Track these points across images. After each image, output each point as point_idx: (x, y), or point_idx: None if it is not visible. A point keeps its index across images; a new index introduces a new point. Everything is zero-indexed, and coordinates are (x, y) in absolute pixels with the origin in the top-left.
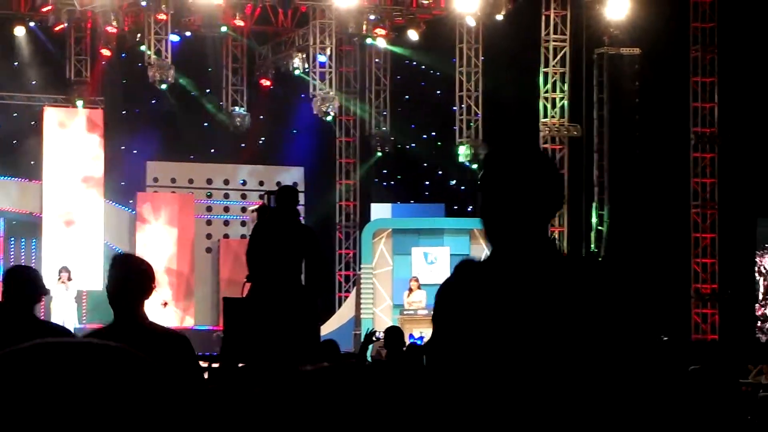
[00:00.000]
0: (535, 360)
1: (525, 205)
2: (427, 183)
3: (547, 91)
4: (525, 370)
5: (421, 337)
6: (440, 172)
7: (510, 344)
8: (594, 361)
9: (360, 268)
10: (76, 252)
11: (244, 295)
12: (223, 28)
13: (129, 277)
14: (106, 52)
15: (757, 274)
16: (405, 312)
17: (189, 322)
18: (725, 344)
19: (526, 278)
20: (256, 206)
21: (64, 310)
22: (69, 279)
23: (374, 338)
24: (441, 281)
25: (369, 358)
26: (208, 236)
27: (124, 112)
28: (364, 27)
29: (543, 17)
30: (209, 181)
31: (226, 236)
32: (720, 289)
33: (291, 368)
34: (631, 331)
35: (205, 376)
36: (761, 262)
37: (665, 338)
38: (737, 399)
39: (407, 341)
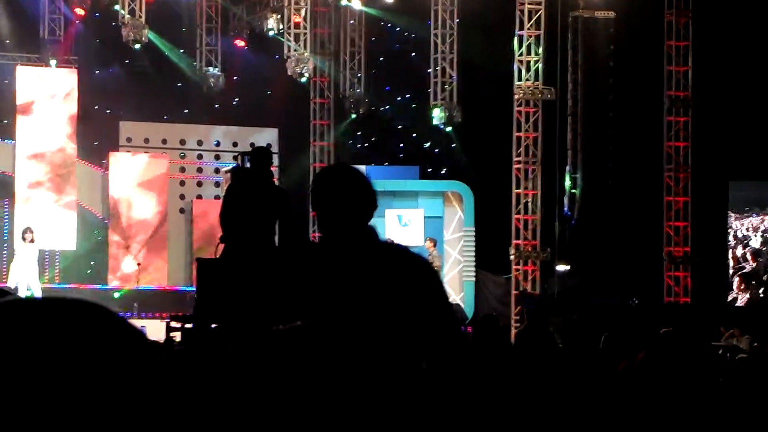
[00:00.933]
0: (345, 319)
1: (343, 208)
2: (401, 145)
3: (521, 54)
4: (336, 328)
5: None
6: (414, 135)
7: (327, 307)
8: (394, 324)
9: None
10: (49, 212)
11: (217, 256)
12: None
13: None
14: (80, 11)
15: (732, 239)
16: None
17: (162, 283)
18: (697, 307)
19: (344, 259)
20: (230, 167)
21: (26, 269)
22: (32, 241)
23: None
24: (415, 243)
25: None
26: (182, 197)
27: (97, 72)
28: None
29: None
30: (183, 142)
31: (199, 197)
32: (692, 252)
33: (264, 329)
34: (423, 303)
35: (179, 337)
36: (741, 226)
37: (636, 300)
38: (709, 360)
39: None
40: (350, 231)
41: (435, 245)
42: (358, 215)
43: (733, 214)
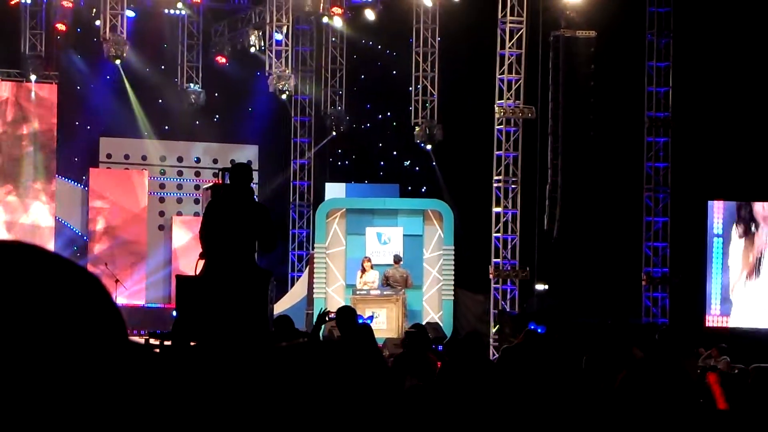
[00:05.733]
0: None
1: None
2: (381, 163)
3: (502, 73)
4: None
5: (371, 317)
6: (395, 153)
7: None
8: None
9: (313, 248)
10: (28, 228)
11: (197, 273)
12: (179, 5)
13: None
14: (61, 27)
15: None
16: (357, 292)
17: (141, 300)
18: (675, 327)
19: None
20: (210, 184)
21: None
22: None
23: (327, 318)
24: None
25: (321, 338)
26: (161, 213)
27: (78, 88)
28: (321, 6)
29: None
30: (163, 158)
31: (179, 213)
32: (671, 273)
33: (243, 347)
34: None
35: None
36: None
37: (610, 321)
38: (686, 381)
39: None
40: None
41: (398, 262)
42: None
43: None
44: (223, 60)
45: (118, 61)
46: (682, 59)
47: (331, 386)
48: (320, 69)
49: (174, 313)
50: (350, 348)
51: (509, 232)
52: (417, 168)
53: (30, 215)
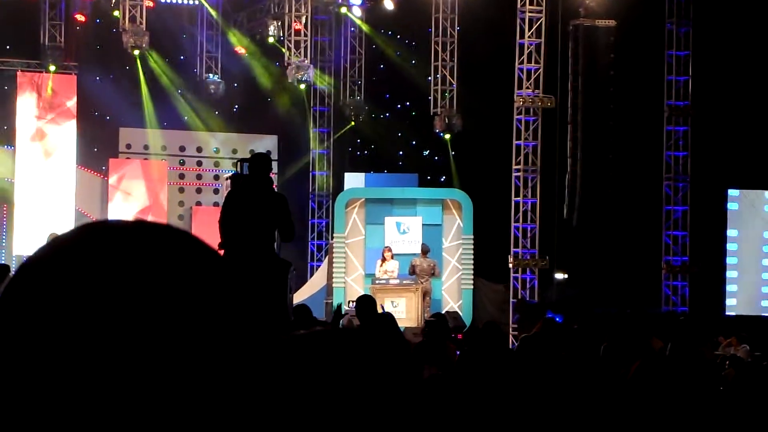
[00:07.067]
0: None
1: None
2: (400, 153)
3: (522, 62)
4: None
5: (383, 308)
6: (414, 142)
7: None
8: None
9: (332, 237)
10: (48, 218)
11: None
12: None
13: None
14: (80, 17)
15: None
16: (377, 281)
17: None
18: (695, 316)
19: None
20: (231, 174)
21: None
22: None
23: (343, 314)
24: (413, 251)
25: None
26: (181, 203)
27: (97, 78)
28: None
29: None
30: (182, 149)
31: (198, 204)
32: (691, 262)
33: (264, 336)
34: None
35: None
36: None
37: (629, 311)
38: (706, 369)
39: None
40: None
41: (425, 252)
42: None
43: None
44: (242, 50)
45: (137, 52)
46: (701, 48)
47: (349, 374)
48: (339, 58)
49: None
50: (370, 336)
51: (528, 222)
52: (436, 158)
53: (50, 205)
